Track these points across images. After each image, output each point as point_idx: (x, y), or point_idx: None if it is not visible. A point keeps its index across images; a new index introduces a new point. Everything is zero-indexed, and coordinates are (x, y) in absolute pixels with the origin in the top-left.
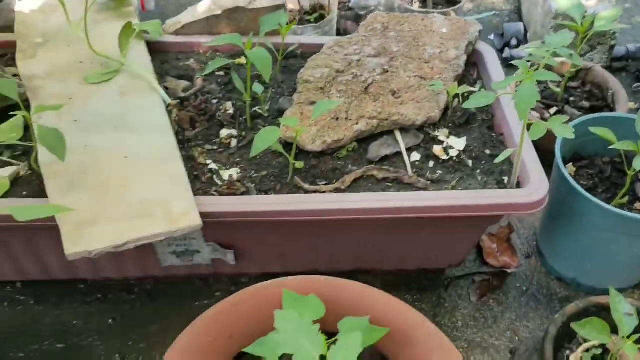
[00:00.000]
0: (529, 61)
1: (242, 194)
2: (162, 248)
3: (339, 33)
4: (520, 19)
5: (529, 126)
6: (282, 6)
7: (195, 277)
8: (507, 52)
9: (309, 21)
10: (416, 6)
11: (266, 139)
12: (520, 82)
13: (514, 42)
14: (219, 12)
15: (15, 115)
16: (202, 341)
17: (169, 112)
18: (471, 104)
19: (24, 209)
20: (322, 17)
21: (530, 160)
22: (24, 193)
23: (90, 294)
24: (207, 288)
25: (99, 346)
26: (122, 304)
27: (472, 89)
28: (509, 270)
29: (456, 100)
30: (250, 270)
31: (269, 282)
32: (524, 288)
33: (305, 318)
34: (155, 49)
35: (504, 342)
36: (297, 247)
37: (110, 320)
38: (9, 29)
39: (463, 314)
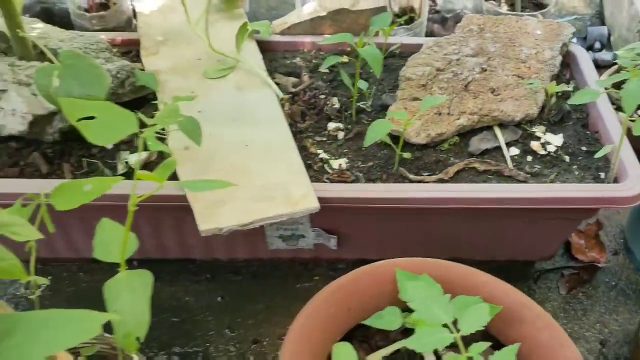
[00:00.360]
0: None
1: (352, 182)
2: (270, 231)
3: (425, 35)
4: (602, 23)
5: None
6: (384, 8)
7: (297, 261)
8: (590, 55)
9: (399, 23)
10: (504, 9)
11: (378, 130)
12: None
13: (597, 45)
14: (324, 13)
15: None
16: (324, 312)
17: (282, 106)
18: (576, 101)
19: (194, 183)
20: (411, 20)
21: (627, 157)
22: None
23: (200, 273)
24: (307, 272)
25: (210, 321)
26: (229, 283)
27: (568, 88)
28: (599, 264)
29: (553, 98)
30: (348, 256)
31: (383, 261)
32: (613, 283)
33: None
34: (264, 48)
35: (594, 334)
36: (396, 234)
37: (219, 298)
38: (122, 29)
39: (553, 305)
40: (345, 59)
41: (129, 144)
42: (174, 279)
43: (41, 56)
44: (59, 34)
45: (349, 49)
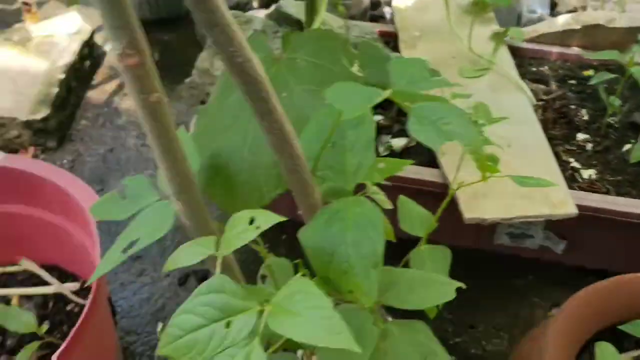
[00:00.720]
0: None
1: (603, 193)
2: (502, 227)
3: None
4: None
5: None
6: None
7: (513, 257)
8: None
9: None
10: None
11: None
12: None
13: None
14: (578, 27)
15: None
16: (584, 309)
17: (534, 112)
18: None
19: (524, 179)
20: None
21: None
22: (414, 162)
23: None
24: (522, 269)
25: None
26: None
27: None
28: None
29: None
30: (567, 262)
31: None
32: None
33: None
34: (512, 53)
35: None
36: (626, 248)
37: None
38: (359, 18)
39: None
40: (590, 72)
41: (388, 128)
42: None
43: None
44: (336, 22)
45: (594, 62)
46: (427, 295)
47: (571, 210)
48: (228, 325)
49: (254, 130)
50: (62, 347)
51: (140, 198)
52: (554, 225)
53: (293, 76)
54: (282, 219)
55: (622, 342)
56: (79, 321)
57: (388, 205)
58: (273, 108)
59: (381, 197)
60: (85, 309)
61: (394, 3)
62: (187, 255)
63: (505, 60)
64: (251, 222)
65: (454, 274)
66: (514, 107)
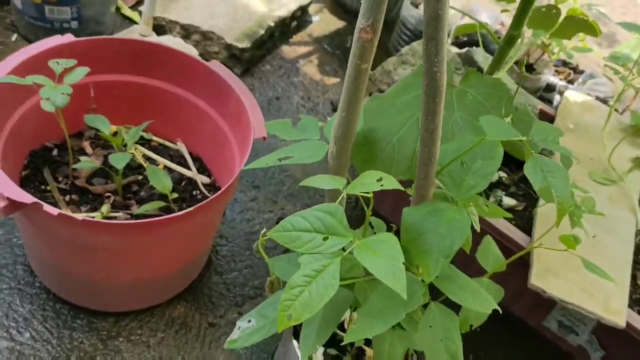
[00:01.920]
0: None
1: None
2: (555, 313)
3: None
4: None
5: None
6: None
7: (549, 342)
8: None
9: None
10: None
11: None
12: None
13: None
14: None
15: None
16: None
17: (635, 235)
18: None
19: (589, 263)
20: None
21: None
22: (513, 222)
23: None
24: (549, 356)
25: None
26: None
27: None
28: None
29: None
30: None
31: None
32: None
33: None
34: None
35: None
36: None
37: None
38: (532, 93)
39: None
40: None
41: (506, 187)
42: None
43: None
44: (510, 84)
45: None
46: (470, 299)
47: (621, 322)
48: (326, 239)
49: (408, 127)
50: (188, 210)
51: (306, 132)
52: (601, 333)
53: (459, 103)
54: (401, 187)
55: None
56: (215, 195)
57: (477, 228)
58: (439, 110)
59: (475, 219)
60: (221, 191)
61: (566, 93)
62: (322, 182)
63: (634, 183)
64: (379, 180)
65: (494, 331)
66: (620, 221)
